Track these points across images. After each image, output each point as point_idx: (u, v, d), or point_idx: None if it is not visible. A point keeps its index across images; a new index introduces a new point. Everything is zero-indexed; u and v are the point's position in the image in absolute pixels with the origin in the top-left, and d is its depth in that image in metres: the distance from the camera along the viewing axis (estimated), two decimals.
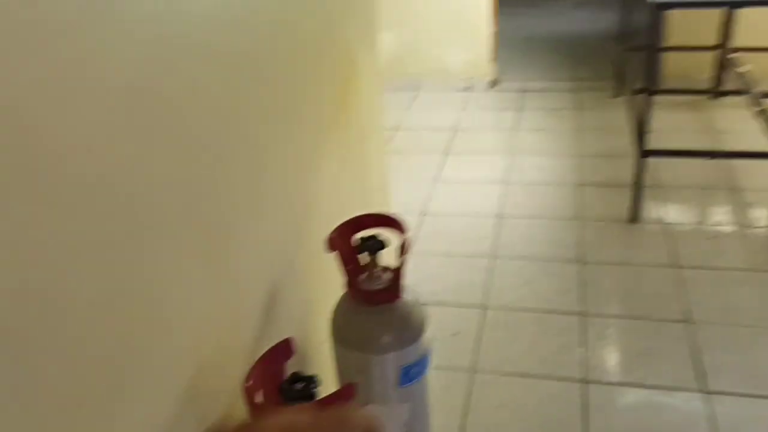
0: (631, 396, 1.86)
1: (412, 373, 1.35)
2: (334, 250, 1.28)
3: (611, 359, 1.99)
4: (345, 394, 0.95)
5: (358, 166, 1.77)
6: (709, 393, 1.84)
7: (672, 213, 2.69)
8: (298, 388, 0.97)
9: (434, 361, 1.97)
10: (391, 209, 2.01)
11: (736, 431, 1.73)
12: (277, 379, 0.99)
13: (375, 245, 1.27)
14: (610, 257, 2.44)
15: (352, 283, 1.31)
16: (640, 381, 1.90)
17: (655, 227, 2.60)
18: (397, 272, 1.30)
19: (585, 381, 1.91)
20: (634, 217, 2.62)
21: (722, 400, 1.82)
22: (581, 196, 2.85)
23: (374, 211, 1.37)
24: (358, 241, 1.29)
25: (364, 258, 1.30)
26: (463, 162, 3.24)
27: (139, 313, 0.71)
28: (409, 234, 1.31)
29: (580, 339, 2.08)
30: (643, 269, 2.37)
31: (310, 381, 0.98)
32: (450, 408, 1.84)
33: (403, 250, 1.28)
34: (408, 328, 1.32)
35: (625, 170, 2.79)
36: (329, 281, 1.48)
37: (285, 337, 1.04)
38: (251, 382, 0.92)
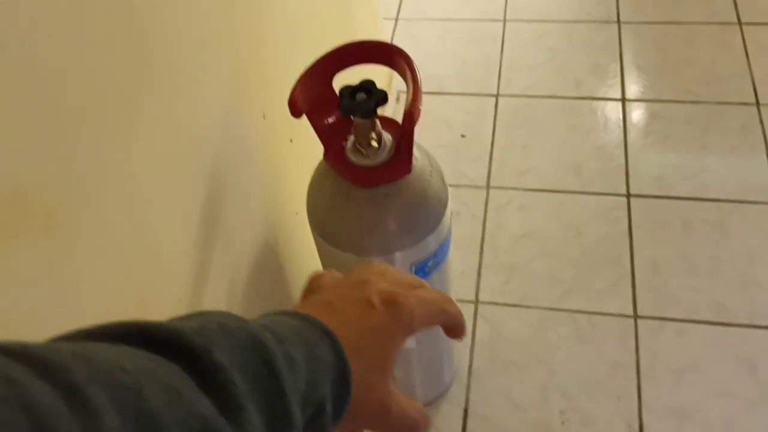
0: (684, 208, 1.50)
1: (428, 267, 0.95)
2: (301, 113, 0.79)
3: (659, 162, 1.59)
4: None
5: None
6: None
7: None
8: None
9: None
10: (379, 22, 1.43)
11: None
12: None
13: (368, 103, 0.78)
14: (652, 13, 1.91)
15: (335, 157, 0.85)
16: (697, 190, 1.52)
17: None
18: (403, 133, 0.83)
19: (628, 194, 1.53)
20: None
21: None
22: None
23: (360, 39, 0.84)
24: (341, 94, 0.79)
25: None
26: None
27: None
28: (418, 71, 0.82)
29: (618, 135, 1.65)
30: (694, 30, 1.85)
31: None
32: (461, 244, 1.47)
33: (413, 100, 0.80)
34: (421, 216, 0.89)
35: None
36: (299, 148, 1.02)
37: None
38: None
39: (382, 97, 0.79)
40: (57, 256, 0.49)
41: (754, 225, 1.45)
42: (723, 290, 1.37)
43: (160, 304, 0.65)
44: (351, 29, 1.33)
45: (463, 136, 1.66)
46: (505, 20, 1.92)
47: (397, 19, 1.95)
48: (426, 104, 1.76)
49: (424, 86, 1.73)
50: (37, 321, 0.47)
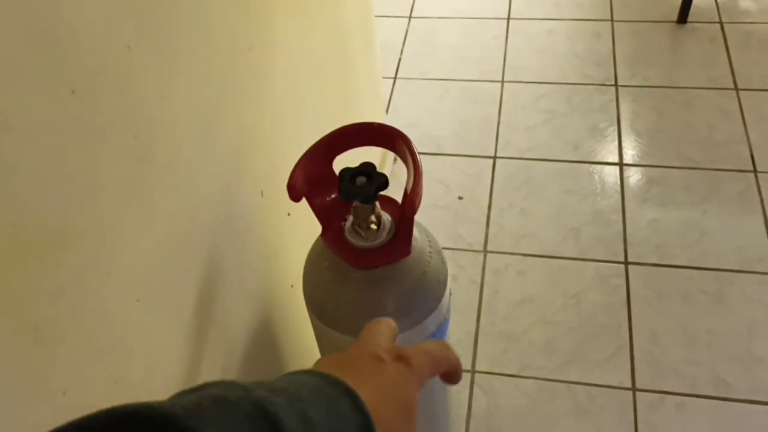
0: (683, 277, 1.48)
1: None
2: (301, 197, 0.78)
3: (658, 229, 1.58)
4: None
5: (332, 31, 1.17)
6: None
7: (735, 9, 2.11)
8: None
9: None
10: (382, 109, 1.43)
11: None
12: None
13: (369, 188, 0.77)
14: (649, 77, 1.92)
15: (333, 237, 0.84)
16: (696, 259, 1.51)
17: (710, 30, 2.04)
18: (403, 218, 0.82)
19: (626, 261, 1.52)
20: (684, 15, 2.05)
21: None
22: None
23: (360, 121, 0.84)
24: (341, 177, 0.78)
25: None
26: None
27: None
28: (418, 154, 0.81)
29: (616, 200, 1.65)
30: (692, 95, 1.86)
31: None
32: (458, 310, 1.45)
33: (414, 186, 0.79)
34: (420, 299, 0.87)
35: None
36: (297, 221, 1.01)
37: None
38: None
39: (383, 182, 0.77)
40: (44, 369, 0.47)
41: (753, 296, 1.44)
42: (722, 364, 1.35)
43: None
44: (351, 90, 1.33)
45: (460, 198, 1.66)
46: (503, 81, 1.94)
47: (395, 78, 1.95)
48: (424, 165, 1.76)
49: (422, 146, 1.73)
50: None
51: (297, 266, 0.92)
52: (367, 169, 0.79)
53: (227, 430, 0.29)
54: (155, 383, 0.64)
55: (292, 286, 1.02)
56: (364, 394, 0.37)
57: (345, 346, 0.89)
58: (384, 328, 0.49)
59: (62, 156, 0.46)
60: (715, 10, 2.10)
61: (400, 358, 0.43)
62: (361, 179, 0.78)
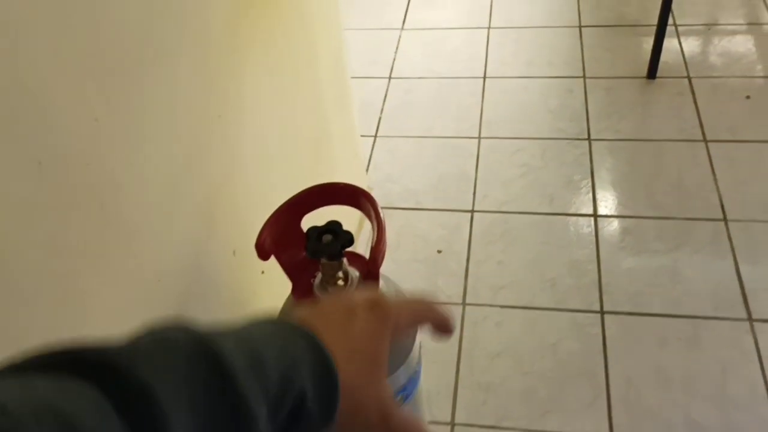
0: (658, 325, 1.51)
1: (397, 401, 0.95)
2: (269, 256, 0.82)
3: (632, 278, 1.61)
4: None
5: (305, 95, 1.23)
6: (755, 321, 1.50)
7: (702, 64, 2.19)
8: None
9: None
10: (360, 161, 1.48)
11: None
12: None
13: (335, 246, 0.81)
14: (621, 130, 1.99)
15: (303, 294, 0.87)
16: (670, 307, 1.54)
17: (678, 85, 2.11)
18: (369, 271, 0.85)
19: (602, 311, 1.55)
20: (653, 70, 2.12)
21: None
22: (585, 45, 2.31)
23: (336, 180, 0.88)
24: (308, 236, 0.82)
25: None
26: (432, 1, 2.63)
27: None
28: (382, 213, 0.85)
29: (591, 250, 1.69)
30: (662, 147, 1.92)
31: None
32: (438, 363, 1.47)
33: (377, 242, 0.82)
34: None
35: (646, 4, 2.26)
36: (271, 278, 1.03)
37: None
38: None
39: (348, 240, 0.81)
40: None
41: (726, 341, 1.46)
42: (697, 407, 1.36)
43: None
44: (327, 150, 1.38)
45: (439, 251, 1.69)
46: (480, 137, 2.00)
47: (376, 136, 2.01)
48: (403, 219, 1.79)
49: (402, 201, 1.77)
50: None
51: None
52: (333, 227, 0.83)
53: (163, 367, 0.29)
54: None
55: None
56: (334, 344, 0.37)
57: None
58: (392, 296, 0.47)
59: (27, 224, 0.50)
60: (683, 65, 2.18)
61: (375, 305, 0.42)
62: (327, 237, 0.82)
